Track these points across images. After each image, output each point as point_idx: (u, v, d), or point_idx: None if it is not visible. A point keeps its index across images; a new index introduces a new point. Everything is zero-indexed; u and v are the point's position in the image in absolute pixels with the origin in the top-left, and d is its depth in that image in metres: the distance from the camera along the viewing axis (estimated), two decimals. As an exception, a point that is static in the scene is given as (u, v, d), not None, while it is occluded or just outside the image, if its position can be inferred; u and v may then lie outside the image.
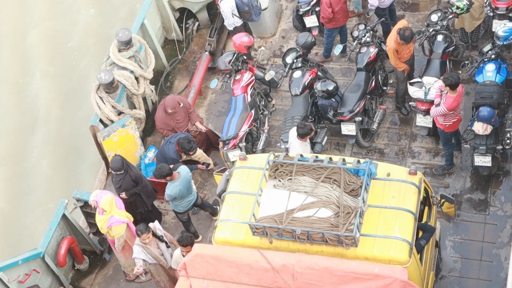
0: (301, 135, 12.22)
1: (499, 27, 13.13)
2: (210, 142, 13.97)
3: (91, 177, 15.30)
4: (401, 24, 13.21)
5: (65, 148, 16.77)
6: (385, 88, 14.09)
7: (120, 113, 13.77)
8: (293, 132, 12.46)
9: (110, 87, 13.56)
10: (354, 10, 15.42)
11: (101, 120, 13.72)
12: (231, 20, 14.44)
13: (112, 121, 13.64)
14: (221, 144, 13.35)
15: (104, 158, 13.85)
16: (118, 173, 12.49)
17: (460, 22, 13.88)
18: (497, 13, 13.80)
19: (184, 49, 15.78)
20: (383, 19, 14.50)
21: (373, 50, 13.56)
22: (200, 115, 14.18)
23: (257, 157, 11.34)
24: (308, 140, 12.42)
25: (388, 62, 14.22)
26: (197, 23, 15.97)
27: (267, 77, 13.99)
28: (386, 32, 14.57)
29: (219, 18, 15.45)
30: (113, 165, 12.49)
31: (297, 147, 12.25)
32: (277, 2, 15.80)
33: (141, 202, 12.84)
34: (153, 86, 14.70)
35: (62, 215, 12.91)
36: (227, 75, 13.89)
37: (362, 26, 13.78)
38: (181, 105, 13.47)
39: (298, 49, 13.67)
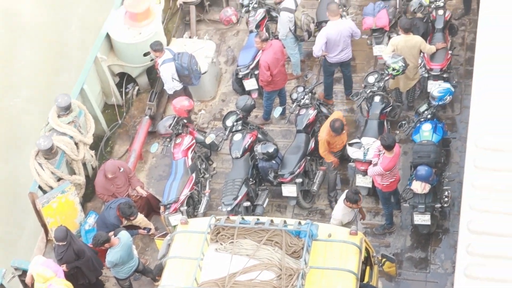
0: (351, 201, 11.91)
1: (434, 87, 13.42)
2: (151, 207, 13.87)
3: (29, 245, 15.00)
4: (335, 115, 13.32)
5: (3, 215, 16.45)
6: (325, 149, 14.22)
7: (59, 179, 13.61)
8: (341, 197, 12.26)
9: (49, 153, 13.41)
10: (292, 73, 15.62)
11: (40, 187, 13.54)
12: (171, 84, 14.49)
13: (51, 187, 13.47)
14: (162, 208, 13.27)
15: (43, 225, 13.61)
16: (60, 244, 12.22)
17: (395, 82, 14.14)
18: (432, 74, 14.15)
19: (124, 114, 15.74)
20: (321, 81, 14.74)
21: (312, 112, 13.72)
22: (141, 180, 14.09)
23: (198, 221, 11.29)
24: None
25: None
26: (137, 88, 15.98)
27: (208, 141, 14.02)
28: (327, 89, 14.82)
29: (159, 82, 15.49)
30: (57, 234, 12.23)
31: (339, 210, 12.08)
32: (216, 66, 15.94)
33: (83, 275, 12.61)
34: (93, 151, 14.58)
35: (0, 285, 12.62)
36: (168, 139, 13.88)
37: (300, 88, 13.94)
38: (122, 170, 13.39)
39: (238, 112, 13.76)
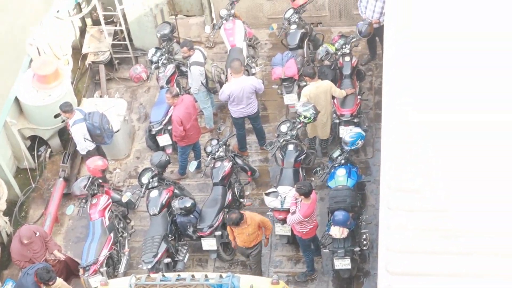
0: None
1: (346, 133, 13.64)
2: (70, 270, 13.60)
3: None
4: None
5: None
6: (242, 200, 14.26)
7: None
8: None
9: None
10: (205, 126, 15.67)
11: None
12: (83, 144, 14.35)
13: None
14: (81, 271, 13.04)
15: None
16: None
17: (313, 130, 14.32)
18: (343, 120, 14.39)
19: (38, 177, 15.48)
20: (234, 133, 14.83)
21: (227, 164, 13.75)
22: (58, 243, 13.83)
23: (119, 281, 11.17)
24: None
25: (244, 175, 14.50)
26: (49, 150, 15.76)
27: (124, 199, 13.89)
28: (240, 141, 14.91)
29: (71, 143, 15.33)
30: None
31: None
32: (129, 123, 15.87)
33: None
34: (7, 217, 14.29)
35: None
36: (83, 200, 13.71)
37: (214, 141, 13.99)
38: (37, 234, 13.12)
39: (153, 168, 13.70)
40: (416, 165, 9.68)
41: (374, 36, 15.55)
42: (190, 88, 15.14)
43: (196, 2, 17.32)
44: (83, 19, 17.20)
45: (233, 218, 12.27)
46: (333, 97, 14.37)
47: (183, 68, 15.51)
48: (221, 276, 10.52)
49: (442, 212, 9.34)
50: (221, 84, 14.85)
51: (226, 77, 14.99)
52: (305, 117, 13.71)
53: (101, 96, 16.31)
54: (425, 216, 9.30)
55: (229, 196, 13.70)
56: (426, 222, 9.27)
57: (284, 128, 13.95)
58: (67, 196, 15.00)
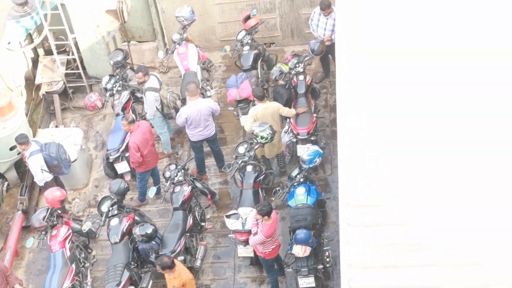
0: None
1: (303, 151, 13.67)
2: (33, 304, 13.48)
3: None
4: None
5: None
6: (204, 224, 14.23)
7: None
8: None
9: None
10: (163, 152, 15.64)
11: None
12: (40, 176, 14.23)
13: None
14: (44, 304, 12.91)
15: None
16: None
17: (260, 150, 14.35)
18: (300, 138, 14.46)
19: (-5, 211, 15.34)
20: (193, 157, 14.81)
21: (186, 189, 13.72)
22: (19, 277, 13.66)
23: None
24: None
25: (204, 198, 14.48)
26: (6, 183, 15.58)
27: (85, 229, 13.79)
28: (199, 165, 14.89)
29: (28, 175, 15.19)
30: None
31: None
32: (86, 152, 15.78)
33: None
34: (-34, 253, 14.12)
35: None
36: (43, 232, 13.56)
37: (173, 166, 13.96)
38: (-3, 269, 12.97)
39: (112, 196, 13.62)
40: (372, 180, 9.73)
41: (327, 53, 15.67)
42: (146, 114, 15.11)
43: (148, 27, 17.34)
44: (35, 50, 17.10)
45: (162, 261, 12.13)
46: (287, 117, 14.45)
47: (138, 94, 15.49)
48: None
49: (401, 226, 9.38)
50: (177, 110, 14.84)
51: (182, 101, 14.98)
52: (262, 138, 13.75)
53: (56, 126, 16.21)
54: (385, 231, 9.33)
55: (190, 221, 13.66)
56: (386, 236, 9.30)
57: (241, 149, 13.97)
58: (26, 228, 14.84)
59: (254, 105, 14.97)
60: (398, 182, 9.67)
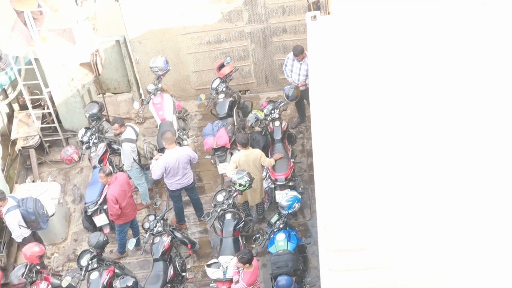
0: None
1: (282, 197, 13.67)
2: None
3: None
4: None
5: None
6: (185, 274, 14.12)
7: None
8: None
9: None
10: (142, 202, 15.58)
11: None
12: (18, 232, 14.10)
13: None
14: None
15: None
16: None
17: (243, 197, 14.35)
18: (278, 184, 14.46)
19: (-27, 269, 15.14)
20: (171, 207, 14.75)
21: (166, 239, 13.64)
22: (-1, 336, 13.51)
23: None
24: None
25: (184, 248, 14.40)
26: (-17, 240, 15.47)
27: (64, 284, 13.60)
28: (178, 214, 14.84)
29: (6, 231, 15.04)
30: None
31: None
32: (64, 206, 15.68)
33: None
34: None
35: None
36: (22, 288, 13.43)
37: (152, 217, 13.89)
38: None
39: (91, 250, 13.49)
40: (351, 225, 9.76)
41: (302, 98, 15.77)
42: (123, 165, 15.08)
43: (123, 79, 17.38)
44: (9, 105, 17.09)
45: None
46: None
47: (115, 146, 15.47)
48: None
49: (382, 269, 9.40)
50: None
51: (159, 151, 14.95)
52: (240, 185, 13.73)
53: (33, 181, 16.12)
54: (366, 275, 9.35)
55: (170, 271, 13.56)
56: (367, 280, 9.32)
57: (220, 197, 13.95)
58: (5, 286, 14.64)
59: (231, 153, 15.03)
60: (377, 226, 9.70)
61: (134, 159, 14.81)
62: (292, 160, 14.85)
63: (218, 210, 13.78)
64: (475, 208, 9.70)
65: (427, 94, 10.98)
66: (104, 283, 13.16)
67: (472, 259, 9.34)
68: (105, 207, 14.55)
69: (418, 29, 11.91)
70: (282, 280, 12.48)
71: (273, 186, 14.56)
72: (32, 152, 16.56)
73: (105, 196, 14.35)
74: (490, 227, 9.53)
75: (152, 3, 16.16)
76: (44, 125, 16.78)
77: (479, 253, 9.39)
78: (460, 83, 11.03)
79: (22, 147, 16.55)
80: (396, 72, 11.38)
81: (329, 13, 13.51)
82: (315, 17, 12.61)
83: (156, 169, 14.23)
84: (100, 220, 14.74)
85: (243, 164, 13.97)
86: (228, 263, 12.98)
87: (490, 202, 9.72)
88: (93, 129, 15.43)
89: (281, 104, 15.20)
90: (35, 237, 14.46)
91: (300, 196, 13.64)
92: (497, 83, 10.91)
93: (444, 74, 11.19)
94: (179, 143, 15.32)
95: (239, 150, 14.31)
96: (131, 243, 14.08)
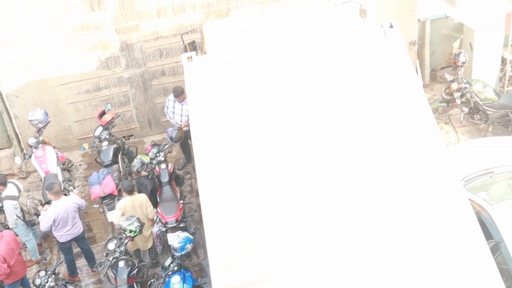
0: None
1: (174, 239, 13.59)
2: None
3: None
4: None
5: None
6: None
7: None
8: None
9: None
10: (31, 259, 15.21)
11: None
12: None
13: None
14: None
15: None
16: None
17: (134, 244, 14.22)
18: (169, 227, 14.40)
19: None
20: (62, 260, 14.48)
21: (60, 293, 13.41)
22: None
23: None
24: None
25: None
26: None
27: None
28: (70, 267, 14.57)
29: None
30: None
31: None
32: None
33: None
34: None
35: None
36: None
37: (43, 272, 13.56)
38: None
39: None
40: (242, 262, 9.86)
41: (186, 139, 15.81)
42: (8, 223, 14.72)
43: (2, 134, 17.04)
44: None
45: None
46: (155, 206, 14.42)
47: (-2, 204, 15.10)
48: None
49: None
50: (39, 216, 14.55)
51: (43, 206, 14.67)
52: (130, 231, 13.61)
53: None
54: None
55: (66, 326, 13.30)
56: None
57: (111, 245, 13.77)
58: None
59: (119, 199, 14.89)
60: (269, 261, 9.85)
61: (17, 215, 14.48)
62: (181, 202, 14.84)
63: (111, 259, 13.59)
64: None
65: (297, 124, 11.42)
66: None
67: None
68: (-7, 267, 14.13)
69: (285, 63, 12.34)
70: (179, 322, 12.42)
71: (164, 229, 14.49)
72: None
73: (-7, 255, 13.96)
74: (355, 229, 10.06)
75: (27, 56, 15.96)
76: None
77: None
78: (317, 113, 11.57)
79: None
80: (269, 103, 11.77)
81: (205, 53, 13.73)
82: (191, 57, 12.75)
83: (45, 220, 13.98)
84: (-11, 281, 14.33)
85: (129, 210, 13.88)
86: (125, 311, 12.82)
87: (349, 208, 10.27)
88: (-26, 188, 15.03)
89: (166, 147, 15.20)
90: None
91: (192, 237, 13.61)
92: (348, 106, 11.61)
93: (307, 104, 11.69)
94: (65, 194, 15.07)
95: (119, 198, 14.24)
96: (22, 302, 13.76)
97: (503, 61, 16.50)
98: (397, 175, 10.63)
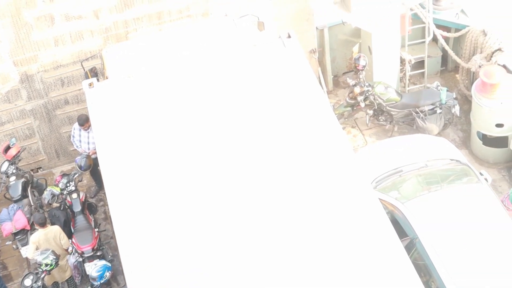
0: None
1: (92, 268, 13.46)
2: None
3: None
4: None
5: None
6: None
7: None
8: None
9: None
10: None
11: None
12: None
13: None
14: None
15: None
16: None
17: (51, 277, 13.97)
18: (86, 256, 14.21)
19: None
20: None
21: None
22: None
23: None
24: None
25: None
26: None
27: None
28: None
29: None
30: None
31: None
32: None
33: None
34: None
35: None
36: None
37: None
38: None
39: None
40: (159, 284, 9.85)
41: (95, 166, 15.56)
42: None
43: None
44: None
45: None
46: (70, 236, 14.21)
47: None
48: None
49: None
50: None
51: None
52: (46, 265, 13.37)
53: None
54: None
55: None
56: None
57: (28, 282, 13.46)
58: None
59: (32, 233, 14.62)
60: (186, 281, 9.90)
61: None
62: (96, 230, 14.66)
63: (28, 296, 13.34)
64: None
65: (204, 140, 11.54)
66: None
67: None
68: None
69: (187, 80, 12.43)
70: None
71: (81, 259, 14.29)
72: None
73: None
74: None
75: None
76: None
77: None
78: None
79: None
80: (173, 121, 11.85)
81: (107, 78, 13.63)
82: (92, 84, 12.65)
83: None
84: None
85: (43, 243, 13.65)
86: None
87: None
88: None
89: (76, 176, 14.99)
90: None
91: (110, 264, 13.49)
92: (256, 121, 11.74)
93: (213, 120, 11.81)
94: (-25, 234, 14.77)
95: (32, 232, 14.00)
96: None
97: (402, 61, 16.85)
98: (306, 182, 10.74)
